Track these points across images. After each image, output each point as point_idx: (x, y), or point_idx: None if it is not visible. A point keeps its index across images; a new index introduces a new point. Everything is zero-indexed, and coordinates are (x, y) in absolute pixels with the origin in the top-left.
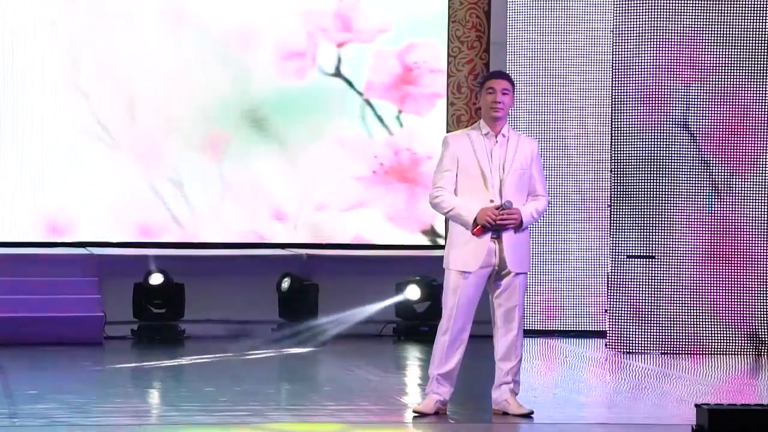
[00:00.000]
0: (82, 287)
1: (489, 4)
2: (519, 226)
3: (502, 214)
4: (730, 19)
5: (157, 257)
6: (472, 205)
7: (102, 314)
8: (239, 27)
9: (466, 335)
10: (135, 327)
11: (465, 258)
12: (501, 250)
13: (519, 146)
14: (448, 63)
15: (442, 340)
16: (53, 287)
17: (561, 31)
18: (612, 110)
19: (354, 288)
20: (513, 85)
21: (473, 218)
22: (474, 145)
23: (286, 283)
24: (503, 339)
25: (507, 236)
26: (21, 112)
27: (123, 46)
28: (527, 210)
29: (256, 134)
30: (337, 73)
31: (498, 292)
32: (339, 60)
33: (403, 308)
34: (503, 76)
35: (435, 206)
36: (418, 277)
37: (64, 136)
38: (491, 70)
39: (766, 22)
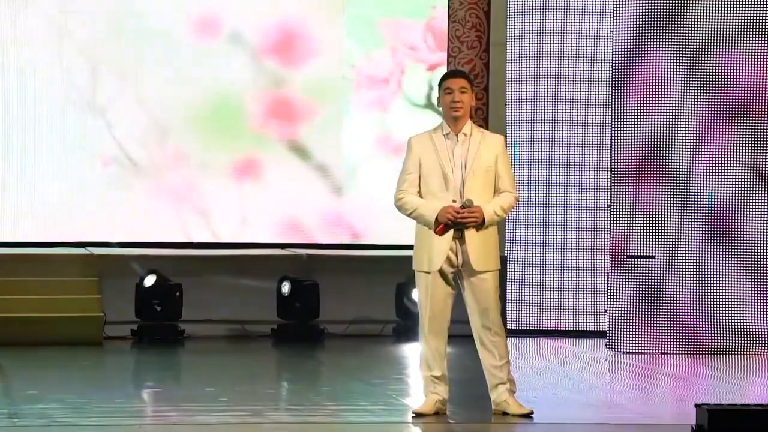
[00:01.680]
0: (82, 287)
1: (489, 4)
2: (482, 224)
3: (463, 212)
4: (729, 19)
5: (156, 257)
6: (434, 204)
7: (102, 314)
8: (289, 40)
9: (445, 336)
10: (135, 327)
11: (427, 258)
12: (464, 249)
13: (482, 144)
14: (448, 63)
15: (422, 343)
16: (53, 287)
17: (560, 31)
18: (611, 110)
19: (354, 288)
20: (471, 82)
21: (435, 217)
22: (436, 146)
23: (285, 287)
24: (484, 341)
25: (470, 235)
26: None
27: (151, 61)
28: (490, 208)
29: (313, 176)
30: (428, 104)
31: (469, 294)
32: (430, 87)
33: (403, 308)
34: (460, 74)
35: (399, 209)
36: None
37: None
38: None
39: (765, 22)
